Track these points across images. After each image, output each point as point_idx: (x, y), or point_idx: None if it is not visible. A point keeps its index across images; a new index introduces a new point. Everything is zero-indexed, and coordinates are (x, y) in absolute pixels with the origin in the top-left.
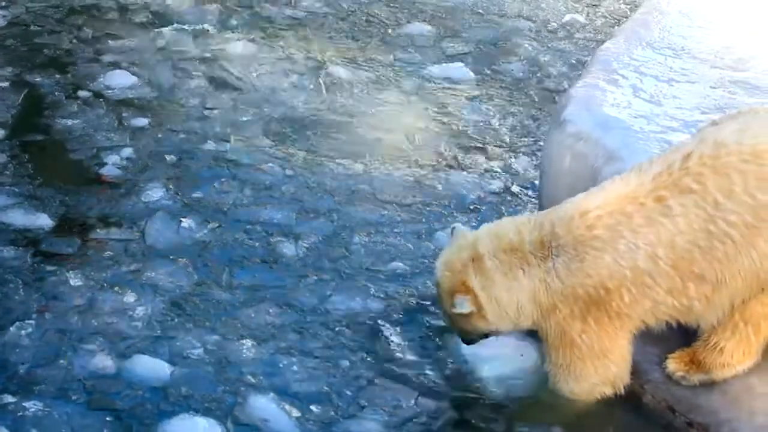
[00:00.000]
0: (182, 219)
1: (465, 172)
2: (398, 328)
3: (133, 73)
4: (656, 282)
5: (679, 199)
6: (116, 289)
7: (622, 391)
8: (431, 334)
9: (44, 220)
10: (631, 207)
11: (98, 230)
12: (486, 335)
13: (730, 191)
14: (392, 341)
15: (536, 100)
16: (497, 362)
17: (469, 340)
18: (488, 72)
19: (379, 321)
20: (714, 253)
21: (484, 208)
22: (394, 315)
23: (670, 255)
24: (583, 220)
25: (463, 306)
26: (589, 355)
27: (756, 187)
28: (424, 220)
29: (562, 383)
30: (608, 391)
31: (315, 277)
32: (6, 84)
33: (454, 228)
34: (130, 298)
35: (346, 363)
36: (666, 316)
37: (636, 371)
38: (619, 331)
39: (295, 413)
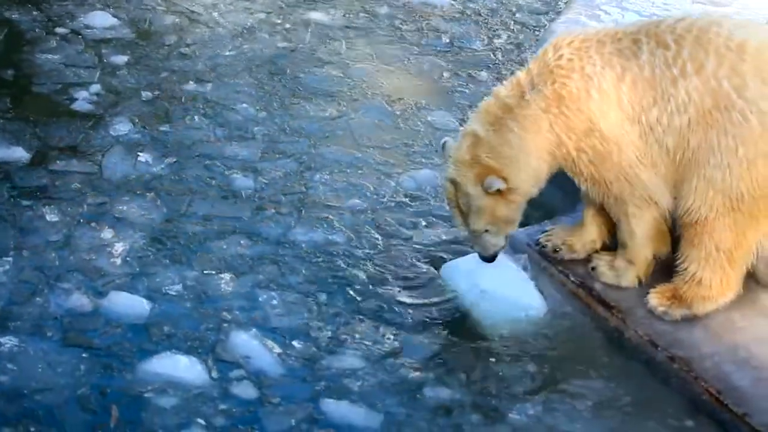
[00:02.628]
0: (139, 153)
1: (447, 110)
2: (367, 263)
3: (113, 15)
4: (621, 117)
5: (652, 48)
6: (91, 224)
7: (667, 205)
8: (401, 268)
9: (20, 153)
10: (607, 38)
11: (62, 162)
12: (506, 240)
13: (700, 66)
14: (366, 275)
15: (513, 31)
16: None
17: (490, 257)
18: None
19: (346, 255)
20: (672, 121)
21: None
22: (360, 249)
23: (631, 94)
24: (555, 49)
25: (496, 183)
26: (605, 178)
27: (726, 75)
28: (393, 161)
29: (617, 214)
30: (654, 212)
31: (273, 211)
32: None
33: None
34: (104, 233)
35: (323, 297)
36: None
37: (618, 307)
38: (621, 158)
39: (277, 349)
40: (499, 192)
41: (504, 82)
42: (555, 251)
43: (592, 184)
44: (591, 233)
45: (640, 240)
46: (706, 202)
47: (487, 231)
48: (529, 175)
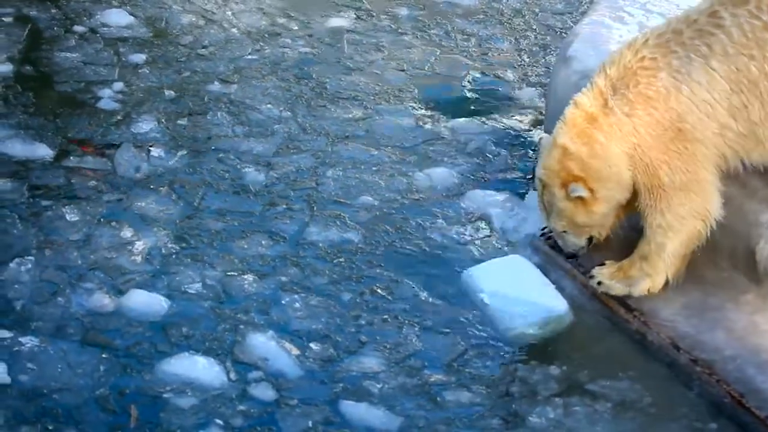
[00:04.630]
0: (150, 147)
1: (473, 113)
2: (386, 264)
3: (130, 13)
4: (715, 98)
5: (732, 11)
6: (107, 221)
7: (713, 225)
8: (421, 269)
9: (44, 151)
10: (682, 24)
11: (89, 161)
12: (590, 241)
13: None
14: (386, 274)
15: (539, 32)
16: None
17: (573, 254)
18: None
19: (363, 253)
20: None
21: (490, 151)
22: (378, 247)
23: (724, 66)
24: (633, 51)
25: (579, 190)
26: (672, 187)
27: None
28: (411, 161)
29: (656, 226)
30: (699, 226)
31: (284, 206)
32: (10, 19)
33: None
34: (125, 231)
35: (346, 298)
36: (738, 146)
37: (640, 310)
38: (700, 161)
39: (295, 351)
40: (581, 199)
41: (583, 90)
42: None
43: (656, 192)
44: None
45: (668, 257)
46: None
47: (566, 232)
48: (615, 184)
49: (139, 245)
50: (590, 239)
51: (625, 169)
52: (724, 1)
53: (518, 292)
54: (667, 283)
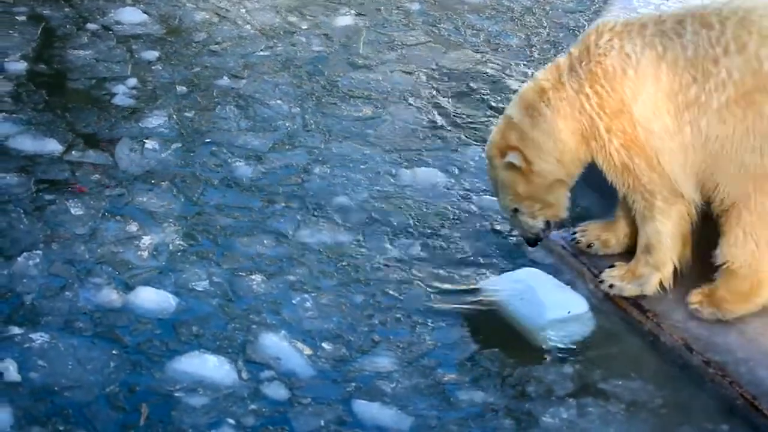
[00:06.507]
0: (146, 141)
1: (479, 116)
2: (393, 263)
3: (143, 11)
4: (659, 97)
5: (696, 29)
6: (112, 215)
7: (693, 198)
8: (432, 268)
9: (54, 146)
10: (650, 21)
11: (102, 156)
12: (548, 225)
13: (743, 45)
14: (393, 275)
15: (549, 29)
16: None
17: (531, 239)
18: None
19: (363, 255)
20: (710, 100)
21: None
22: (369, 247)
23: (671, 73)
24: (598, 33)
25: (513, 158)
26: (635, 166)
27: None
28: (399, 159)
29: (643, 209)
30: (683, 203)
31: (283, 204)
32: (23, 18)
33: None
34: (130, 225)
35: (359, 299)
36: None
37: (653, 311)
38: (652, 148)
39: (308, 351)
40: (518, 168)
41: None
42: (588, 246)
43: (622, 174)
44: (624, 228)
45: (666, 240)
46: (737, 188)
47: (517, 210)
48: (555, 160)
49: (145, 240)
50: (548, 222)
51: (569, 148)
52: (696, 15)
53: (538, 294)
54: (675, 271)
